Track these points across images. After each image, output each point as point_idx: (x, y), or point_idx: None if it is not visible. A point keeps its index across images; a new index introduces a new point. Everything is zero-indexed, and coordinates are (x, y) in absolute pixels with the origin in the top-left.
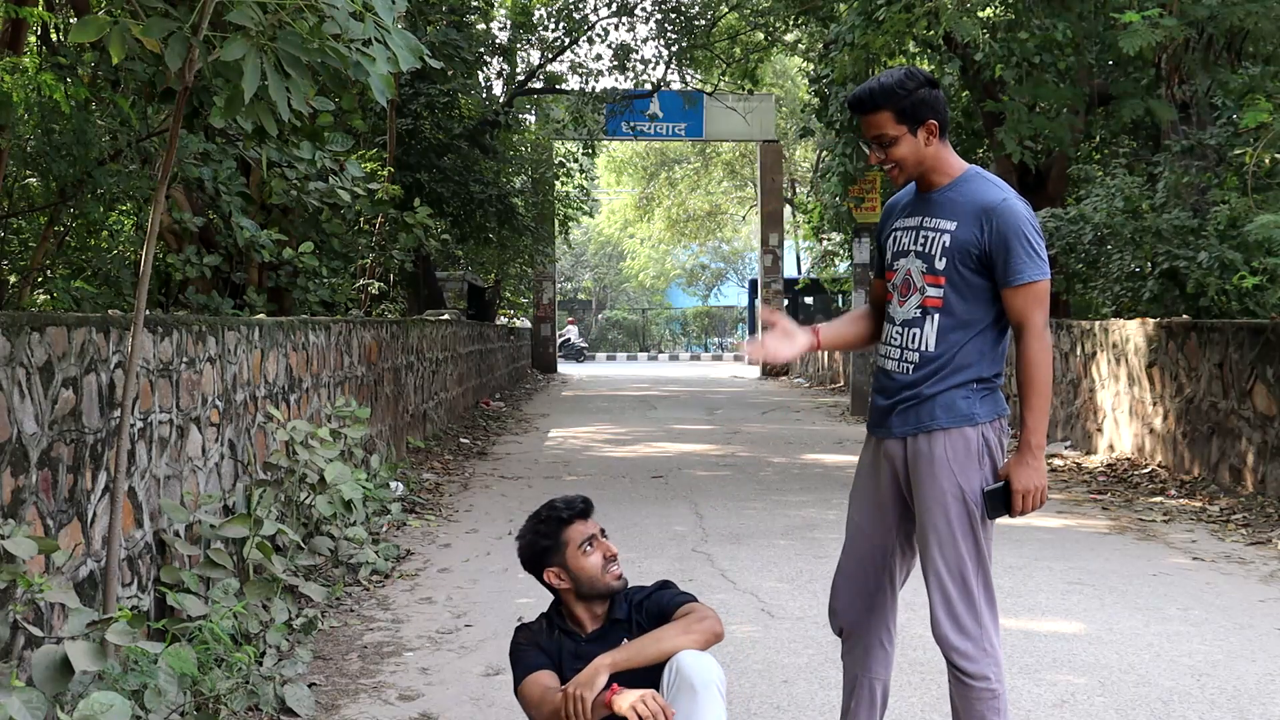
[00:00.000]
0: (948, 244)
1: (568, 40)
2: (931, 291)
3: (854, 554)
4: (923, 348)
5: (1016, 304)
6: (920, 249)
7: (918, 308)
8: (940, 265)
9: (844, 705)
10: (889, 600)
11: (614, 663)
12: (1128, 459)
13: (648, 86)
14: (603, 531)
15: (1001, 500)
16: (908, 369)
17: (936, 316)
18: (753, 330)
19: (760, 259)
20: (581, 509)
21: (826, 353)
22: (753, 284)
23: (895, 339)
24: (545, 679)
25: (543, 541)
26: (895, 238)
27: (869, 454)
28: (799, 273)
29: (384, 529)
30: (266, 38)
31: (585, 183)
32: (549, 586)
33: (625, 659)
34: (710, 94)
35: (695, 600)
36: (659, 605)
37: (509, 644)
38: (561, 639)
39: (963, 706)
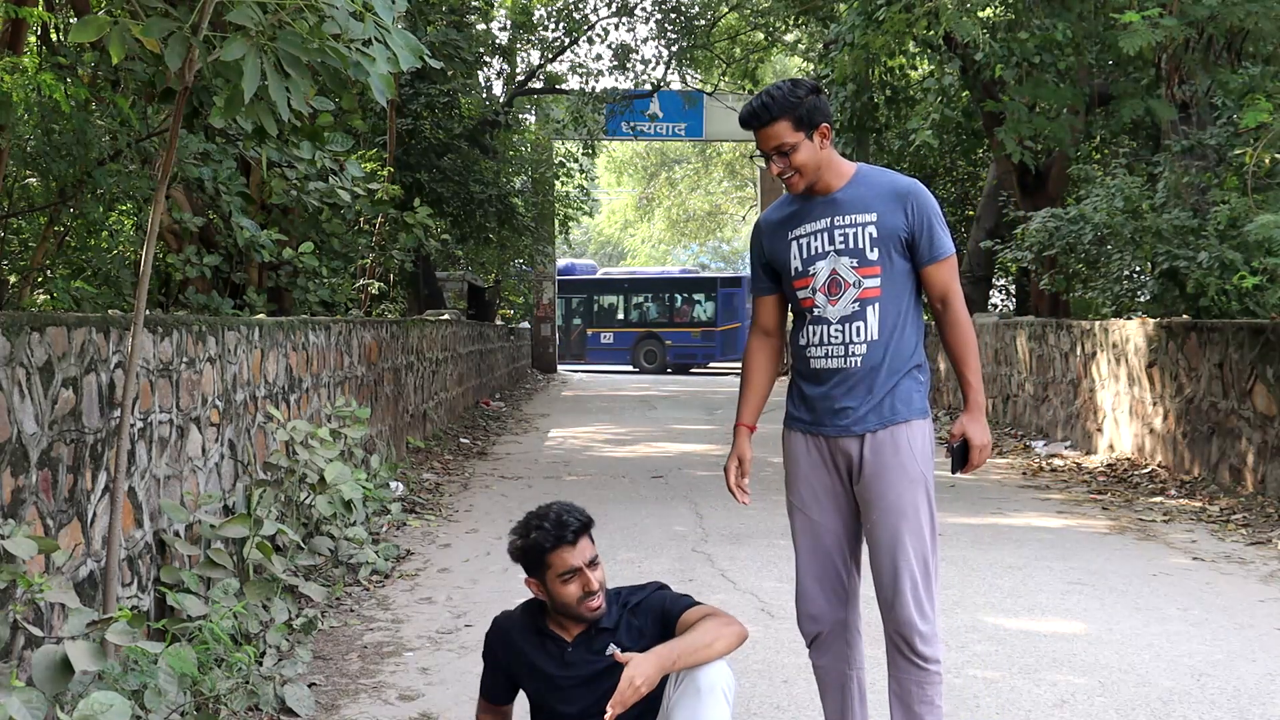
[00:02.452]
0: (875, 234)
1: (568, 40)
2: (868, 283)
3: (818, 553)
4: (869, 338)
5: (942, 277)
6: (842, 245)
7: (855, 301)
8: (873, 255)
9: (836, 707)
10: (858, 591)
11: (672, 664)
12: (1128, 459)
13: (648, 86)
14: (593, 561)
15: (958, 459)
16: (856, 361)
17: (877, 305)
18: None
19: None
20: (571, 537)
21: None
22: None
23: (834, 338)
24: (491, 716)
25: (526, 558)
26: (801, 244)
27: (810, 451)
28: None
29: (384, 529)
30: (266, 38)
31: (585, 183)
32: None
33: (676, 661)
34: (710, 94)
35: (697, 602)
36: (661, 609)
37: (485, 639)
38: (544, 641)
39: (916, 691)
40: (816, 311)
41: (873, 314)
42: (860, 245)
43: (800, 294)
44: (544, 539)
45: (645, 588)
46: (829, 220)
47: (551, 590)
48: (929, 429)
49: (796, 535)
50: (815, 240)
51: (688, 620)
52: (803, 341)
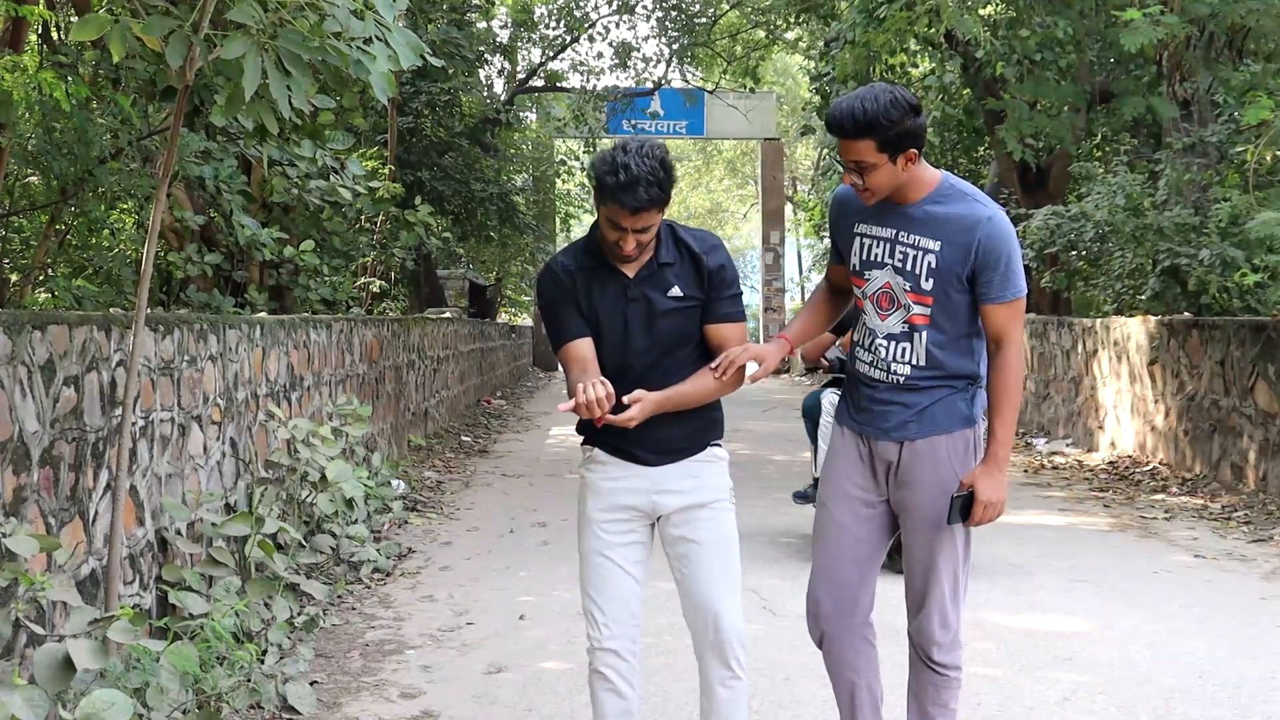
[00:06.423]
0: (934, 265)
1: (569, 38)
2: (918, 310)
3: (835, 553)
4: (914, 361)
5: (1000, 319)
6: (900, 264)
7: (904, 323)
8: (927, 286)
9: (846, 715)
10: (872, 596)
11: (659, 402)
12: (1129, 456)
13: (649, 84)
14: (644, 229)
15: (963, 508)
16: (898, 380)
17: (925, 333)
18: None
19: (761, 257)
20: (630, 204)
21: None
22: None
23: (880, 351)
24: (585, 350)
25: (592, 183)
26: (863, 245)
27: (849, 449)
28: (800, 271)
29: (385, 527)
30: (267, 36)
31: (586, 180)
32: None
33: (669, 402)
34: (711, 92)
35: (733, 316)
36: (715, 292)
37: (540, 289)
38: (607, 275)
39: (932, 694)
40: (865, 318)
41: (919, 340)
42: (917, 271)
43: (855, 290)
44: (606, 191)
45: (706, 242)
46: (895, 233)
47: (599, 221)
48: (974, 438)
49: (816, 533)
50: (877, 247)
51: (709, 341)
52: (855, 338)
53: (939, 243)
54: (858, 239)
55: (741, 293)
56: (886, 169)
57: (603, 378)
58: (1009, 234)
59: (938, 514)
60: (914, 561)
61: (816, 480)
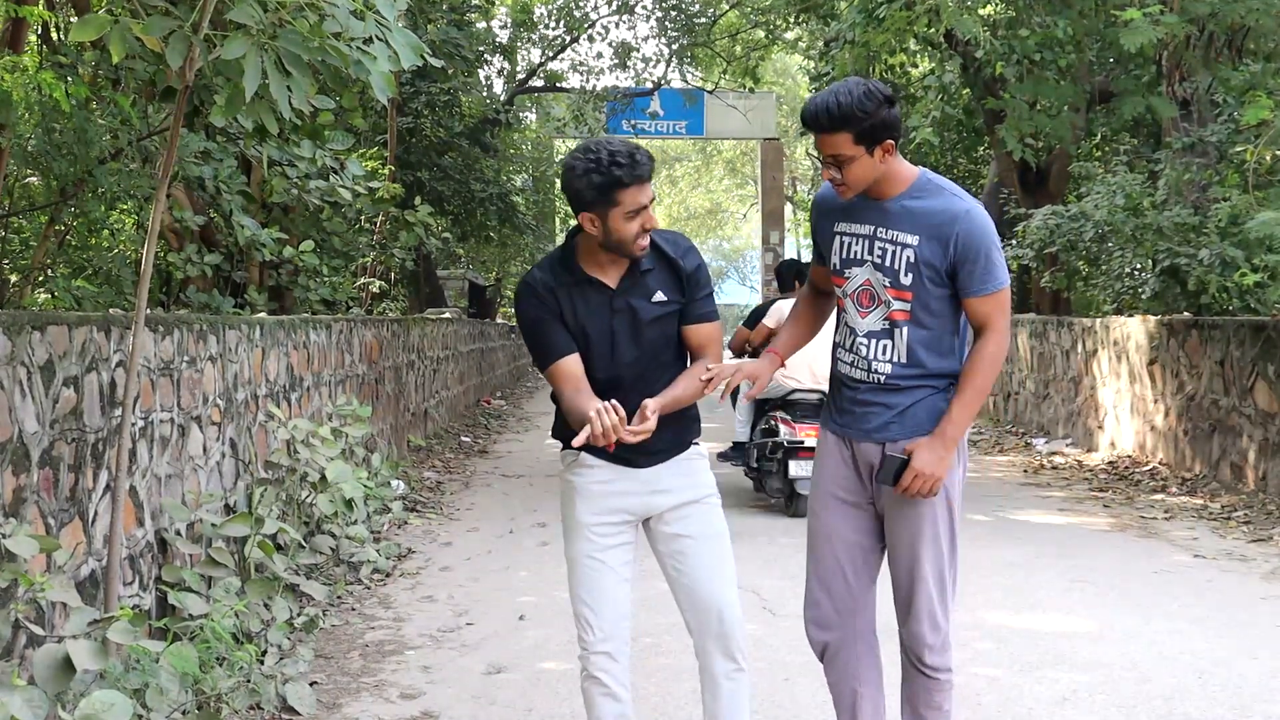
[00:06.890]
0: (912, 259)
1: (568, 38)
2: (897, 305)
3: (828, 559)
4: (895, 358)
5: (983, 310)
6: (879, 260)
7: (885, 319)
8: (906, 281)
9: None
10: (873, 600)
11: (660, 408)
12: (1129, 456)
13: (648, 84)
14: (653, 199)
15: (894, 471)
16: (879, 378)
17: (906, 329)
18: None
19: (761, 257)
20: (647, 175)
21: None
22: None
23: (861, 349)
24: (575, 366)
25: (597, 192)
26: (843, 243)
27: (834, 452)
28: None
29: (385, 527)
30: (267, 36)
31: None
32: (579, 225)
33: (667, 408)
34: (711, 92)
35: (706, 316)
36: (691, 296)
37: (522, 308)
38: (587, 289)
39: (924, 697)
40: (846, 318)
41: (900, 336)
42: (895, 266)
43: (836, 290)
44: (625, 175)
45: (680, 245)
46: (873, 229)
47: (611, 226)
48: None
49: (809, 538)
50: (856, 244)
51: (688, 342)
52: (836, 339)
53: (917, 237)
54: (837, 237)
55: (713, 291)
56: (864, 161)
57: (614, 402)
58: (987, 227)
59: (920, 514)
60: (898, 565)
61: (735, 444)
